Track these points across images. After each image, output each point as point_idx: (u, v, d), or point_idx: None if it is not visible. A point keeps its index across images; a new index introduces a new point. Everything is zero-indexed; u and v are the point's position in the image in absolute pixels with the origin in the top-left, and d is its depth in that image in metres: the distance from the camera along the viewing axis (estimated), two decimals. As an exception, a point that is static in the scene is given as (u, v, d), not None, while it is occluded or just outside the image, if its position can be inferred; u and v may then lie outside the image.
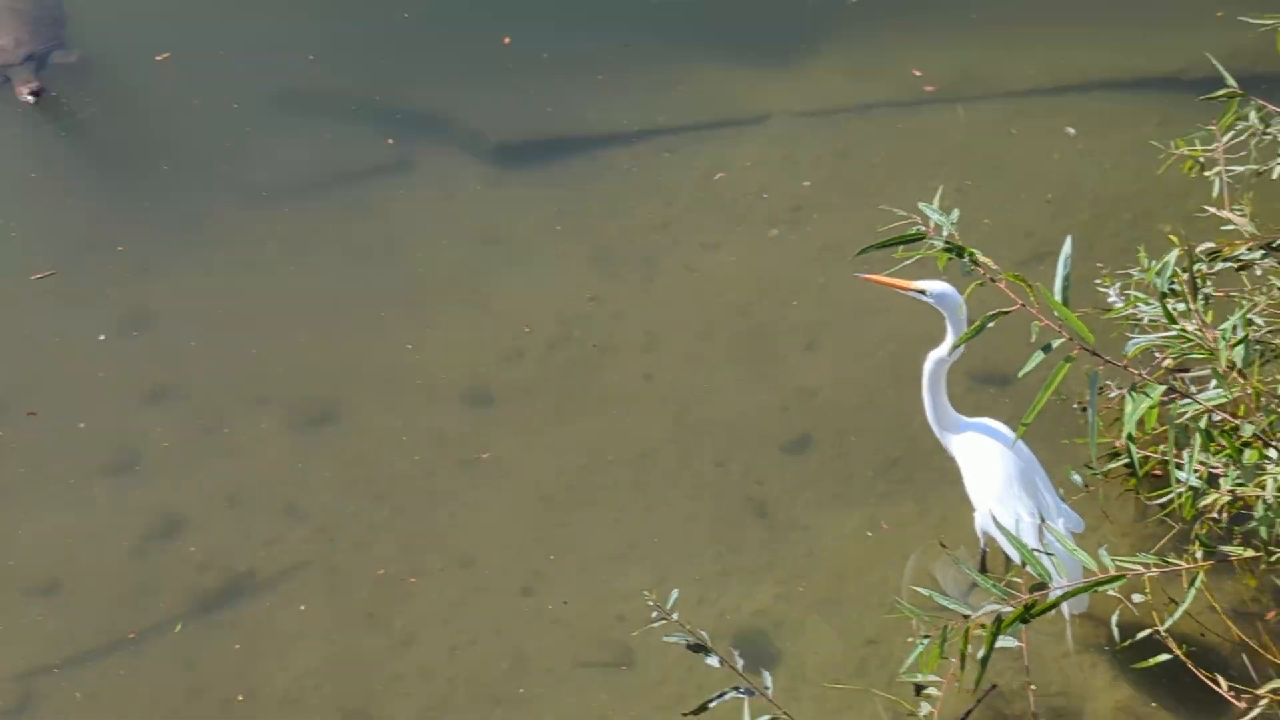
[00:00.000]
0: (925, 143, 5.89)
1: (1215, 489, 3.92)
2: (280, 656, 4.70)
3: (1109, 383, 4.62)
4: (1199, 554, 3.96)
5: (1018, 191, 5.69)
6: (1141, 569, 3.58)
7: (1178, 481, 3.85)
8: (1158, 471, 4.58)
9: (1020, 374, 3.42)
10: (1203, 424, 3.75)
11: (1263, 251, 4.34)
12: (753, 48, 6.26)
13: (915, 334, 5.21)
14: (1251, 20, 4.57)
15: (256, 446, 5.20)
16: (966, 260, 3.59)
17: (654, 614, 3.87)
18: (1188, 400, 3.73)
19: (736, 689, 3.76)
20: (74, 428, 5.23)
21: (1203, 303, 3.80)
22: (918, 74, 6.10)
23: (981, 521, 4.42)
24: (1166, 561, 3.73)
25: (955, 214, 3.65)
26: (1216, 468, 3.92)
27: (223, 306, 5.57)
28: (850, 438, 5.09)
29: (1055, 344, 3.39)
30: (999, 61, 6.15)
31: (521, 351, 5.40)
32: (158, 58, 6.23)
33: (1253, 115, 4.38)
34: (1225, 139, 4.44)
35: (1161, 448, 4.27)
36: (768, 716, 3.77)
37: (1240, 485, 3.84)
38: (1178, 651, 4.08)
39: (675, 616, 3.78)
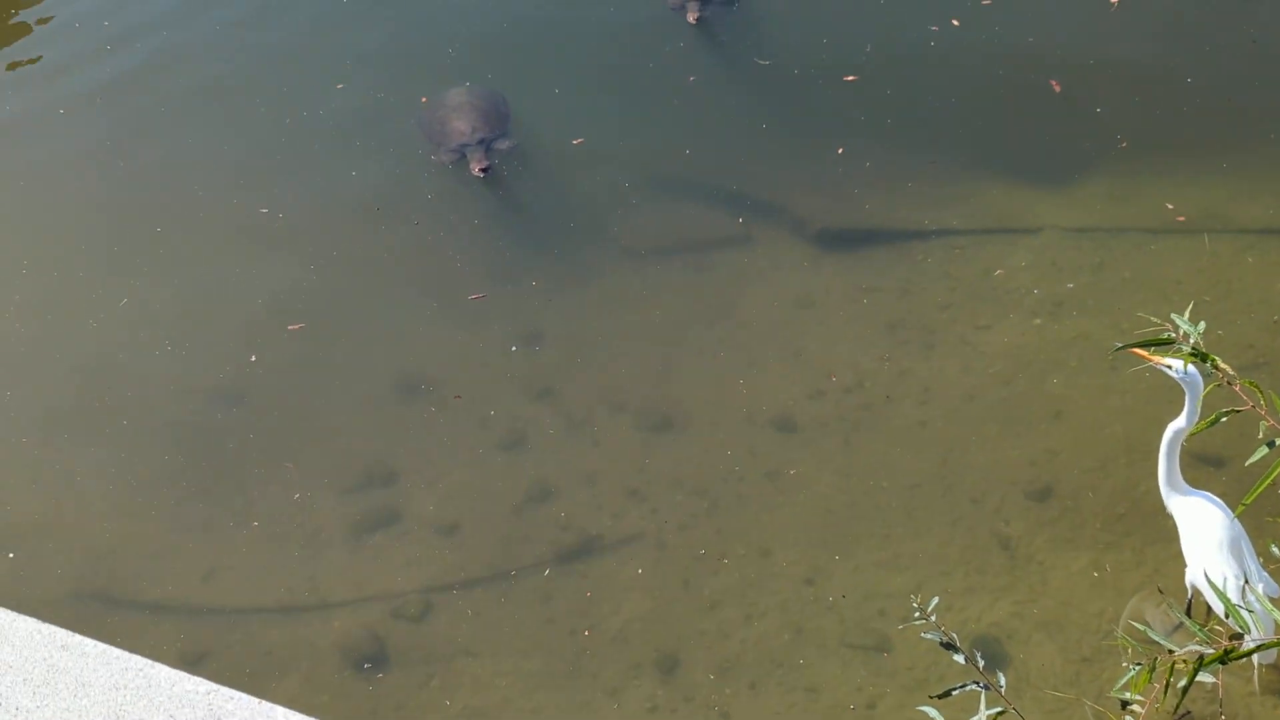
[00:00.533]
0: (1171, 263, 5.67)
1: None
2: (616, 603, 4.79)
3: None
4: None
5: (1247, 310, 5.43)
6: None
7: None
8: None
9: (1247, 463, 3.29)
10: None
11: None
12: (1034, 171, 6.12)
13: (1147, 416, 5.05)
14: None
15: (612, 441, 5.30)
16: (1209, 365, 3.47)
17: (915, 613, 3.83)
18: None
19: (975, 683, 3.70)
20: (486, 413, 5.41)
21: None
22: (1170, 207, 5.88)
23: (1192, 576, 4.25)
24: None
25: (1202, 325, 3.54)
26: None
27: (598, 332, 5.67)
28: (1085, 493, 4.94)
29: (1278, 442, 3.25)
30: (1242, 201, 5.88)
31: (823, 393, 5.38)
32: (575, 142, 6.40)
33: None
34: None
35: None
36: (999, 708, 3.70)
37: None
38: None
39: (933, 618, 3.75)
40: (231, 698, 4.19)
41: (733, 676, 4.58)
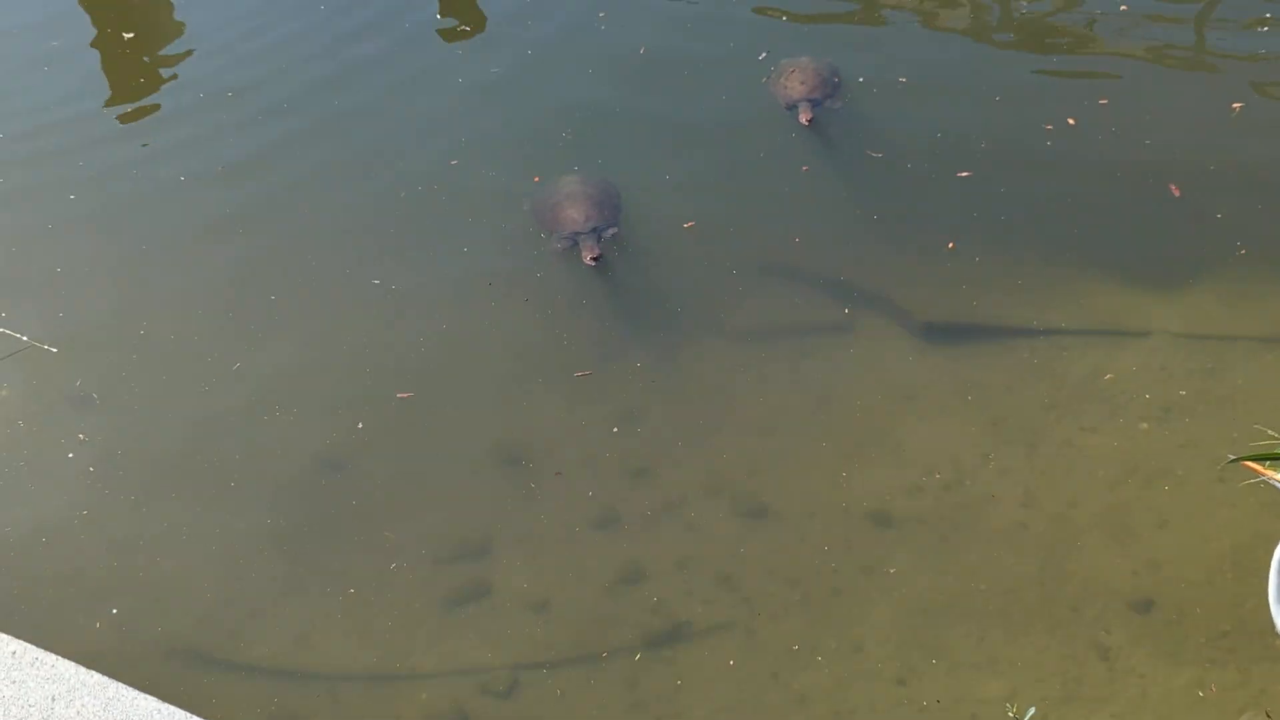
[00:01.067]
0: (1285, 375, 5.56)
1: None
2: (703, 692, 4.76)
3: None
4: None
5: (1365, 427, 5.28)
6: None
7: None
8: None
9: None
10: None
11: None
12: (1147, 274, 6.03)
13: (1257, 532, 4.93)
14: None
15: (706, 525, 5.28)
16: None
17: (1009, 721, 3.77)
18: None
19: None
20: (583, 490, 5.44)
21: None
22: (1288, 318, 5.77)
23: (1300, 701, 4.11)
24: None
25: (1317, 442, 3.45)
26: None
27: (698, 415, 5.67)
28: (1190, 607, 4.81)
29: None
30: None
31: (922, 488, 5.33)
32: (685, 225, 6.45)
33: None
34: None
35: None
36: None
37: None
38: None
39: (1027, 728, 3.68)
40: (318, 764, 4.23)
41: (818, 774, 4.52)
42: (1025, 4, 7.56)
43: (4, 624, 4.92)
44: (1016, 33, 7.44)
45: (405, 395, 5.79)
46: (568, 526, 5.31)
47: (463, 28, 7.68)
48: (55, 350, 6.01)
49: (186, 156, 6.95)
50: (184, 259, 6.45)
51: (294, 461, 5.59)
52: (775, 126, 6.86)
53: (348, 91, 7.29)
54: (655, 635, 4.95)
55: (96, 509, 5.45)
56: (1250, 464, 4.02)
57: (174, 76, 7.46)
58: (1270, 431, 3.69)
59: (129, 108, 7.28)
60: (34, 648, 4.69)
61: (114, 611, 5.14)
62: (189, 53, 7.59)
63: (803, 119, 6.71)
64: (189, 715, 4.42)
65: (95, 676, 4.54)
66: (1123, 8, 7.44)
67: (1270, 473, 4.01)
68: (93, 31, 7.79)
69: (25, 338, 6.05)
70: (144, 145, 7.04)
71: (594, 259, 6.18)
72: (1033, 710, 3.77)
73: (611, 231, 6.30)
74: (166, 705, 4.43)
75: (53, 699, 4.48)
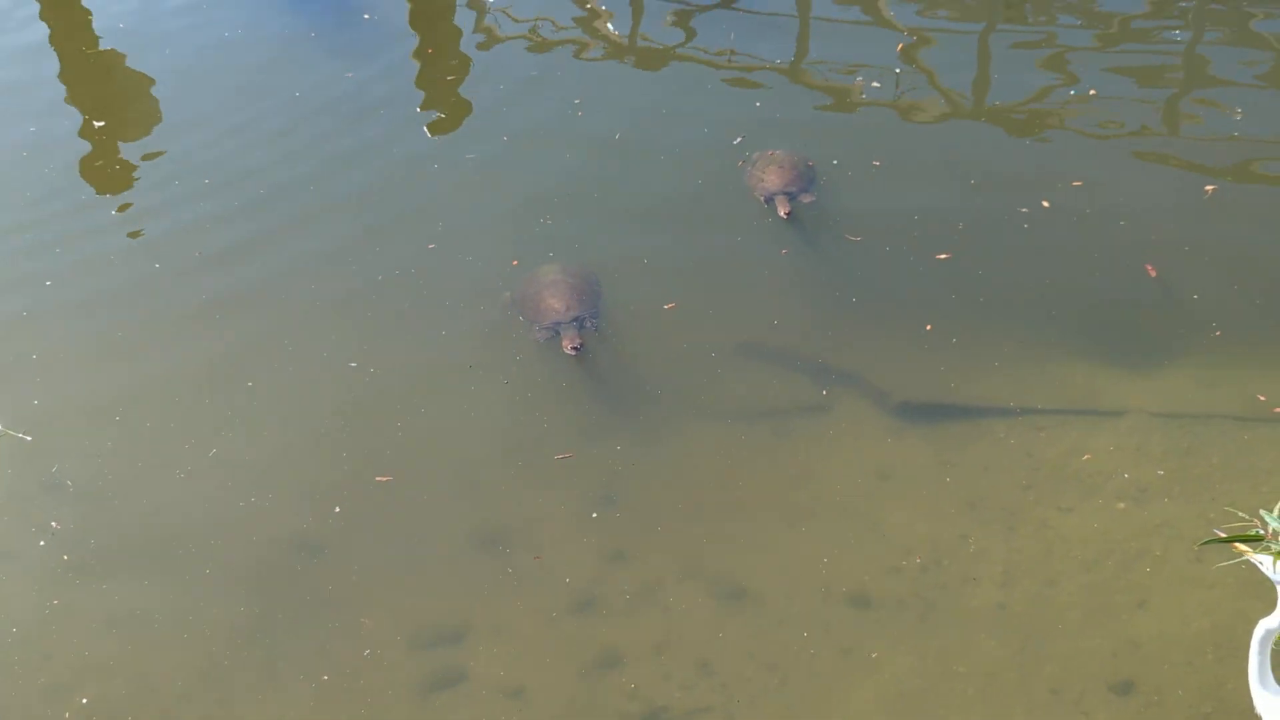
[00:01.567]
0: (1261, 453, 5.56)
1: None
2: (681, 779, 4.73)
3: None
4: None
5: (1341, 504, 5.29)
6: None
7: None
8: None
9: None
10: None
11: None
12: (1123, 354, 6.07)
13: (1235, 611, 4.92)
14: None
15: (684, 609, 5.25)
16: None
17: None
18: None
19: None
20: (560, 574, 5.41)
21: None
22: (1262, 398, 5.79)
23: (1280, 783, 4.08)
24: None
25: (1290, 523, 3.47)
26: None
27: (677, 496, 5.67)
28: (1170, 689, 4.79)
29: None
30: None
31: (899, 569, 5.32)
32: (666, 306, 6.49)
33: None
34: None
35: None
36: None
37: None
38: None
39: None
40: None
41: None
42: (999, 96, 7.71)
43: (-28, 713, 4.89)
44: (990, 118, 7.57)
45: (384, 479, 5.78)
46: (545, 611, 5.28)
47: (441, 116, 7.80)
48: (29, 438, 6.01)
49: (164, 245, 7.00)
50: (161, 345, 6.47)
51: (270, 547, 5.56)
52: (752, 210, 6.94)
53: (327, 180, 7.35)
54: (632, 721, 4.91)
55: (68, 598, 5.42)
56: (1237, 545, 4.03)
57: (153, 167, 7.53)
58: (1241, 513, 3.70)
59: (109, 198, 7.34)
60: (2, 737, 4.65)
61: (84, 701, 5.08)
62: (168, 144, 7.67)
63: (781, 212, 6.81)
64: None
65: (63, 767, 4.48)
66: (1091, 92, 7.57)
67: (1250, 550, 4.01)
68: (75, 121, 7.88)
69: (0, 426, 6.05)
70: (126, 234, 7.09)
71: (575, 348, 6.22)
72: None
73: (593, 322, 6.36)
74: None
75: (19, 790, 4.42)
